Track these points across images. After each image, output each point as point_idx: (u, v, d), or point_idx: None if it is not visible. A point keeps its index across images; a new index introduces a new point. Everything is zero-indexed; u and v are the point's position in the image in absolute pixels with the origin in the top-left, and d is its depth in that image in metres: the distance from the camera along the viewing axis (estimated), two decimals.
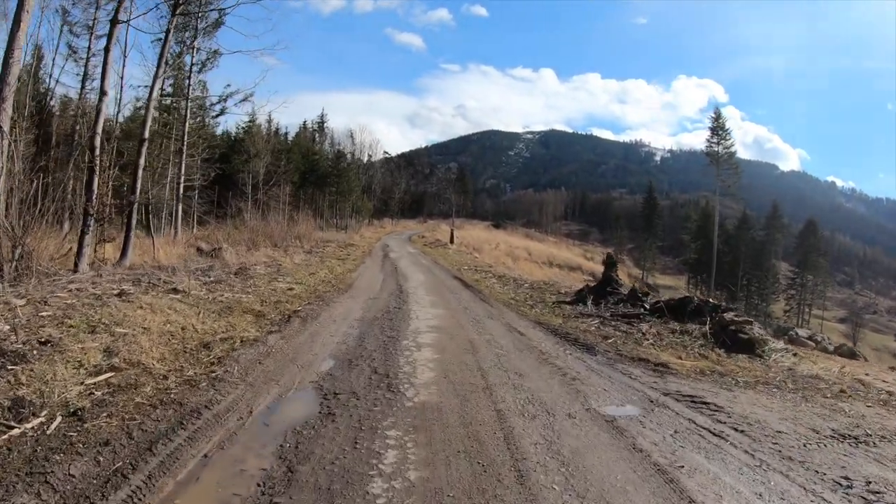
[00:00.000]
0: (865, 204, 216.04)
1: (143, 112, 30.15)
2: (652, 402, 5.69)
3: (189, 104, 29.30)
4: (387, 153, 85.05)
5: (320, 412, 4.86)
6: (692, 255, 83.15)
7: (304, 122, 61.87)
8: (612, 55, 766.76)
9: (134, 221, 16.33)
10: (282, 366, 6.25)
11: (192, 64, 29.46)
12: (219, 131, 45.35)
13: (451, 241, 40.10)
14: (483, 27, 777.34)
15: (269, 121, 52.57)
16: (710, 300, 13.10)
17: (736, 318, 11.04)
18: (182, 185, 28.30)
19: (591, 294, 14.73)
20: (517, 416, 4.95)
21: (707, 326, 10.10)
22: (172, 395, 4.93)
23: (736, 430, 4.87)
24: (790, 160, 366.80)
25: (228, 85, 31.75)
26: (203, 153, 31.63)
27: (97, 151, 14.21)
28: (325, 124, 61.31)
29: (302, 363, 6.41)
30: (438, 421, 4.72)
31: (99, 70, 27.66)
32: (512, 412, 5.03)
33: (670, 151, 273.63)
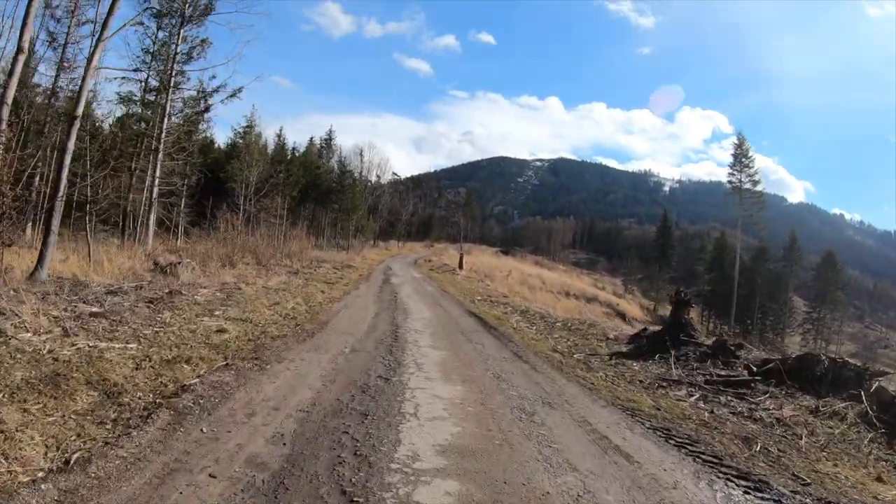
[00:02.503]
0: (873, 237, 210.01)
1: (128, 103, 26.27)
2: None
3: (170, 97, 24.97)
4: (395, 174, 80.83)
5: None
6: (706, 287, 78.33)
7: (311, 138, 57.49)
8: (617, 85, 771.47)
9: (55, 223, 12.09)
10: None
11: (176, 53, 25.17)
12: (222, 142, 41.46)
13: (460, 267, 35.55)
14: (490, 55, 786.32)
15: (279, 135, 48.55)
16: (846, 359, 8.73)
17: None
18: (156, 189, 23.86)
19: (660, 343, 10.47)
20: None
21: (865, 405, 6.57)
22: None
23: None
24: (796, 192, 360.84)
25: (213, 77, 27.42)
26: (184, 155, 27.22)
27: (2, 125, 9.98)
28: (333, 141, 56.99)
29: None
30: None
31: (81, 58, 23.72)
32: None
33: (679, 182, 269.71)
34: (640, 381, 7.92)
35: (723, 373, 8.82)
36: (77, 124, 12.52)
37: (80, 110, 12.55)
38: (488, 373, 6.74)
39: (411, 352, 7.48)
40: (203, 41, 25.95)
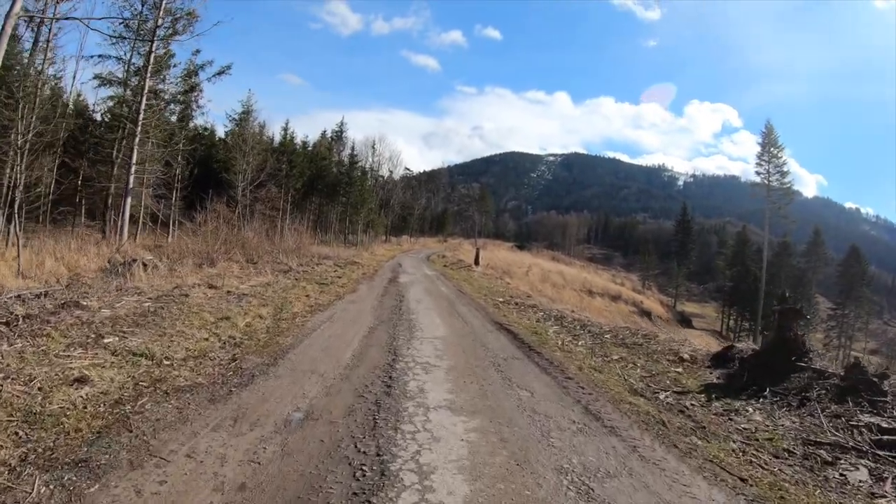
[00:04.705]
0: (890, 232, 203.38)
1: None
2: None
3: (149, 75, 21.60)
4: (408, 169, 77.05)
5: None
6: (728, 282, 74.56)
7: (324, 131, 53.55)
8: (625, 79, 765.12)
9: None
10: None
11: (157, 27, 21.81)
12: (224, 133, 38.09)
13: (476, 263, 32.01)
14: (497, 50, 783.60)
15: (285, 127, 45.01)
16: None
17: None
18: (132, 178, 20.55)
19: (763, 369, 7.05)
20: None
21: None
22: None
23: None
24: (808, 186, 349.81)
25: (198, 51, 24.06)
26: (170, 140, 24.03)
27: None
28: (344, 133, 53.09)
29: None
30: None
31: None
32: None
33: (693, 177, 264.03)
34: (788, 451, 4.74)
35: (885, 425, 5.53)
36: None
37: None
38: (567, 484, 3.28)
39: (411, 426, 3.96)
40: (189, 14, 22.63)
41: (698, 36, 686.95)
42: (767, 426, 5.48)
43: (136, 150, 20.75)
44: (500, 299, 15.44)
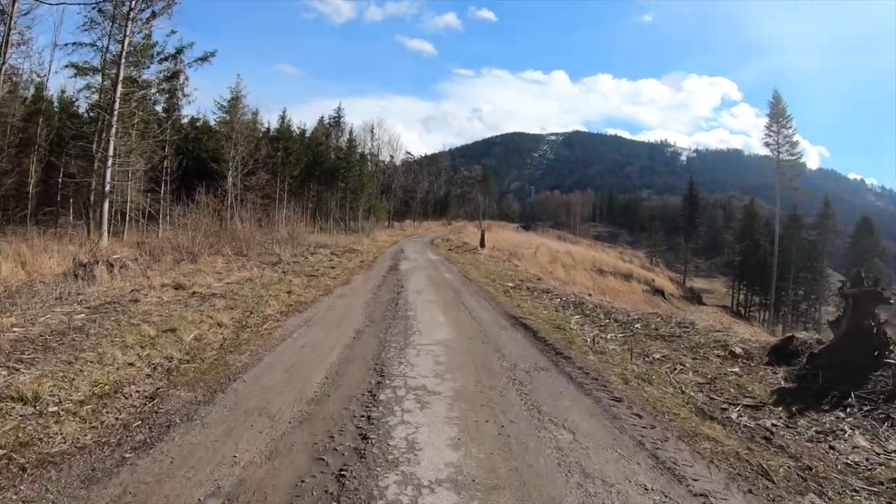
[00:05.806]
0: (894, 202, 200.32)
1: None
2: None
3: (123, 61, 19.87)
4: (408, 153, 75.12)
5: None
6: (736, 257, 72.88)
7: (322, 117, 51.56)
8: (621, 55, 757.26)
9: None
10: None
11: (131, 9, 20.07)
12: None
13: (482, 246, 30.47)
14: (492, 31, 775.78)
15: (283, 116, 43.21)
16: None
17: None
18: (109, 171, 18.98)
19: (839, 367, 5.68)
20: None
21: None
22: None
23: None
24: (811, 158, 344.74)
25: (173, 31, 22.39)
26: (146, 130, 22.45)
27: None
28: (342, 119, 51.05)
29: None
30: None
31: None
32: None
33: (696, 151, 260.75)
34: None
35: None
36: None
37: None
38: None
39: None
40: None
41: (694, 8, 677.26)
42: (879, 455, 4.09)
43: (112, 143, 19.21)
44: (510, 284, 13.93)
